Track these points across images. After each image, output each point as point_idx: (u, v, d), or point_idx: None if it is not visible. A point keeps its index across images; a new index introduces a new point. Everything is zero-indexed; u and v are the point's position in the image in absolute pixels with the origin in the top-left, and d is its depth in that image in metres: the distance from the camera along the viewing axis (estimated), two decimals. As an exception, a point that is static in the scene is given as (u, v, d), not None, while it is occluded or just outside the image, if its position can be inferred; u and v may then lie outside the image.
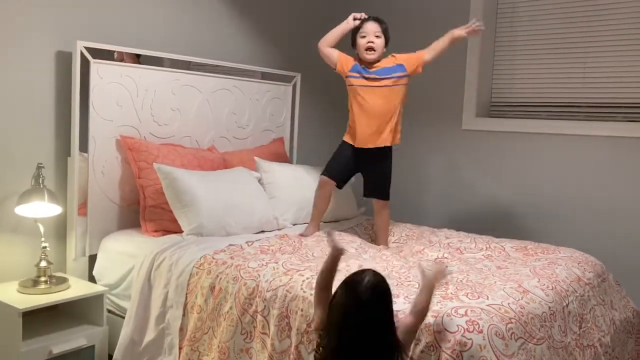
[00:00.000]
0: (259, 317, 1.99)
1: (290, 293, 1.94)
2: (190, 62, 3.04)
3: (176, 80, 2.94)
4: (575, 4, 3.26)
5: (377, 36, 2.68)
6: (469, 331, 1.63)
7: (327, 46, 2.75)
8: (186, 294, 2.22)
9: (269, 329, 1.96)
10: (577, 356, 1.98)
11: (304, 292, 1.91)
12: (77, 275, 2.63)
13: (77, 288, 2.44)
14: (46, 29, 2.55)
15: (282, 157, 3.42)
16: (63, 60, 2.59)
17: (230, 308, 2.07)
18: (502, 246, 2.60)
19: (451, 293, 1.87)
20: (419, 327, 1.63)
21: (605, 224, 3.12)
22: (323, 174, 2.81)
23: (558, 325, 1.94)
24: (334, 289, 1.59)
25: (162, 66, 2.90)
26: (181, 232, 2.60)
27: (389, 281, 1.56)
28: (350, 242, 2.50)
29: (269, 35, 3.58)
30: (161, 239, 2.56)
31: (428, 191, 3.77)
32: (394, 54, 2.73)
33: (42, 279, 2.39)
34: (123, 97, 2.71)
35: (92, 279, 2.66)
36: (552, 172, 3.30)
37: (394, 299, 1.58)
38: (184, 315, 2.22)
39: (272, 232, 2.80)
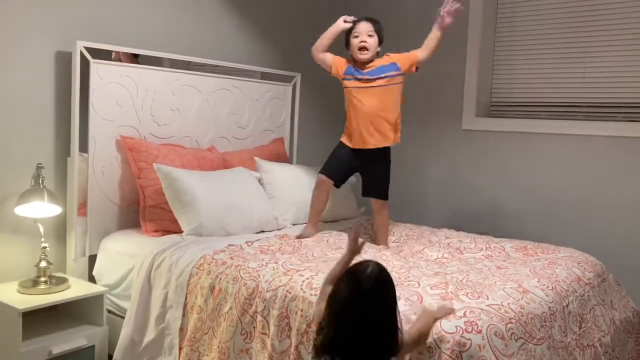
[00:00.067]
0: (259, 318, 1.99)
1: (290, 293, 1.94)
2: (190, 62, 3.04)
3: (176, 80, 2.94)
4: (574, 5, 3.26)
5: (369, 35, 2.67)
6: (467, 331, 1.63)
7: (321, 51, 2.76)
8: (186, 294, 2.22)
9: (268, 329, 1.95)
10: (577, 356, 1.98)
11: (304, 292, 1.91)
12: (77, 275, 2.63)
13: (77, 288, 2.44)
14: (46, 29, 2.55)
15: (282, 157, 3.42)
16: (63, 60, 2.59)
17: (230, 308, 2.07)
18: (502, 246, 2.60)
19: (451, 292, 1.88)
20: (417, 346, 1.62)
21: (605, 224, 3.11)
22: (321, 172, 2.80)
23: (558, 325, 1.94)
24: None
25: (162, 66, 2.90)
26: (181, 232, 2.60)
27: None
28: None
29: (268, 35, 3.58)
30: (161, 239, 2.56)
31: (428, 191, 3.77)
32: (388, 54, 2.73)
33: (42, 279, 2.39)
34: (123, 97, 2.71)
35: (92, 279, 2.66)
36: (552, 172, 3.29)
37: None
38: (183, 315, 2.22)
39: (271, 232, 2.81)
